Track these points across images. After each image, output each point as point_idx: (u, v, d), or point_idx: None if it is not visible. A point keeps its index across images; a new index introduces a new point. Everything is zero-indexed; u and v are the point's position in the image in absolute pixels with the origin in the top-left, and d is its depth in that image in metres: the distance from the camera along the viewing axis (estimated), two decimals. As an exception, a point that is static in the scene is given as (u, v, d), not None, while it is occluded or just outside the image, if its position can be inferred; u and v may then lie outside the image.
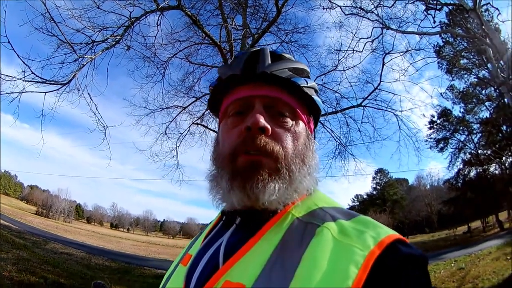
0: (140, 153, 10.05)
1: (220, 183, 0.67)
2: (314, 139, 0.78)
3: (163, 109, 10.07)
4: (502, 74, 11.34)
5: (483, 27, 10.24)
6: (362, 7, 10.30)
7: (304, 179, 0.66)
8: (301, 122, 0.72)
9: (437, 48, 18.54)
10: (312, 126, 0.80)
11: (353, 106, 9.44)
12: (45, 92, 6.55)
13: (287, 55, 0.75)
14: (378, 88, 9.12)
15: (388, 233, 0.53)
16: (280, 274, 0.50)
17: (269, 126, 0.64)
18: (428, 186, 40.19)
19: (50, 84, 6.42)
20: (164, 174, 10.46)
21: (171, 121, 10.11)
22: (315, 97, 0.75)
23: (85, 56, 7.09)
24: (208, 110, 0.86)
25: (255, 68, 0.68)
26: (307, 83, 0.71)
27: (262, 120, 0.64)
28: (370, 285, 0.46)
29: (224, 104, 0.75)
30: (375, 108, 9.29)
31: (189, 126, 10.08)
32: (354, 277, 0.46)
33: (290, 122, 0.69)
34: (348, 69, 9.94)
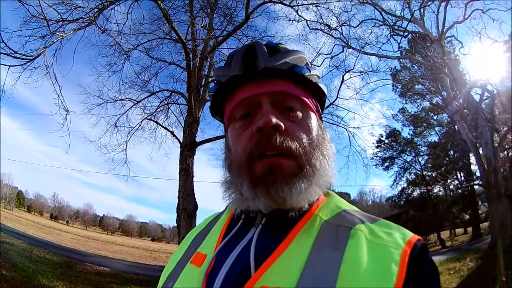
0: (88, 144, 9.69)
1: (240, 190, 0.64)
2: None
3: (116, 100, 9.83)
4: (456, 103, 12.18)
5: (445, 57, 11.01)
6: (328, 23, 10.57)
7: (326, 172, 0.64)
8: (311, 113, 0.69)
9: (394, 72, 19.61)
10: (320, 112, 0.76)
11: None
12: (9, 66, 6.09)
13: (282, 46, 0.70)
14: (334, 104, 9.36)
15: (411, 234, 0.57)
16: (323, 275, 0.50)
17: (281, 123, 0.61)
18: (370, 202, 41.92)
19: (16, 58, 5.98)
20: (111, 168, 10.28)
21: (123, 113, 9.89)
22: (320, 84, 0.72)
23: (57, 33, 6.69)
24: (211, 116, 0.81)
25: (255, 64, 0.65)
26: (310, 71, 0.69)
27: (273, 118, 0.60)
28: (408, 279, 0.49)
29: (228, 107, 0.72)
30: (328, 122, 9.51)
31: (141, 121, 9.89)
32: (396, 273, 0.49)
33: (300, 114, 0.66)
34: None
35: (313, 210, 0.63)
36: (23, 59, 6.20)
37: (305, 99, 0.68)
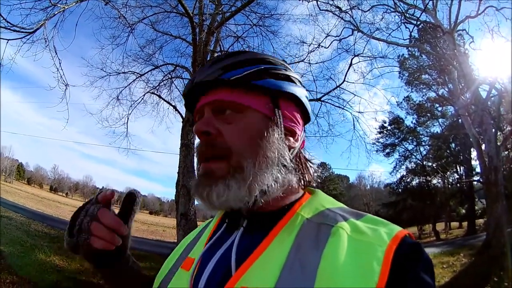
0: (89, 116, 9.64)
1: None
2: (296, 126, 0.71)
3: (119, 73, 9.79)
4: (462, 97, 12.01)
5: (455, 50, 10.76)
6: (338, 6, 10.27)
7: (261, 172, 0.61)
8: (252, 113, 0.65)
9: (402, 59, 19.29)
10: (289, 113, 0.69)
11: (312, 100, 9.37)
12: (8, 40, 5.90)
13: (241, 52, 0.69)
14: (340, 86, 9.25)
15: (399, 229, 0.54)
16: (301, 275, 0.49)
17: (209, 128, 0.63)
18: (368, 187, 41.94)
19: (15, 31, 5.80)
20: (112, 141, 10.34)
21: (126, 86, 9.88)
22: (260, 82, 0.65)
23: (59, 5, 6.50)
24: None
25: (193, 81, 0.69)
26: (241, 73, 0.64)
27: (201, 125, 0.64)
28: (392, 277, 0.46)
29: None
30: (334, 105, 9.47)
31: (144, 95, 9.92)
32: (379, 272, 0.46)
33: (236, 116, 0.65)
34: (316, 63, 10.10)
35: (295, 208, 0.63)
36: (22, 32, 6.04)
37: (242, 101, 0.65)
